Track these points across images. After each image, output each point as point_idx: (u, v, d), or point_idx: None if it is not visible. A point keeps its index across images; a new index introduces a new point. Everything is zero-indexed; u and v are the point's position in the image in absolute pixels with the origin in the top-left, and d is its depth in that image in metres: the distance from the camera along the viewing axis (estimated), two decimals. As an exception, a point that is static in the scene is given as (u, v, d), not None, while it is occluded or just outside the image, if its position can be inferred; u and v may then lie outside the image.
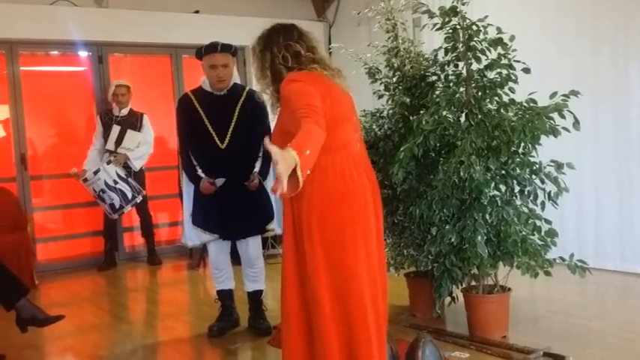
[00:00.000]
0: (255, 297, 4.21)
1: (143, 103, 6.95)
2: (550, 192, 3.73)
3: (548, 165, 3.71)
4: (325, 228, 2.55)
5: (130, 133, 6.55)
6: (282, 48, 2.71)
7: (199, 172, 4.00)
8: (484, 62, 3.78)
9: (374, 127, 4.39)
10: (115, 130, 6.52)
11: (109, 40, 6.90)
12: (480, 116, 3.69)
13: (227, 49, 3.96)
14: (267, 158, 4.12)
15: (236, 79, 4.14)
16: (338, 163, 2.59)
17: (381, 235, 2.77)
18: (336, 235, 2.56)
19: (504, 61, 3.74)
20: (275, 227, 4.12)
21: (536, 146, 3.69)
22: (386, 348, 2.76)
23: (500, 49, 3.74)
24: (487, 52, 3.77)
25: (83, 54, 7.04)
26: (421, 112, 3.88)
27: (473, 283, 3.88)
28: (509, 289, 3.86)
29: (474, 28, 3.76)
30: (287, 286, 2.72)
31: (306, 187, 2.45)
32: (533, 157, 3.73)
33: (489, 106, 3.79)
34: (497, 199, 3.69)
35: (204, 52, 3.94)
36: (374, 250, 2.64)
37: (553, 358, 3.34)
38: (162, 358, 3.98)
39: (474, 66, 3.81)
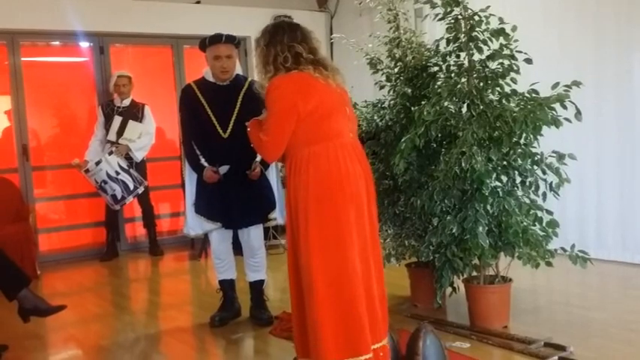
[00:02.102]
0: (257, 287, 4.22)
1: (144, 93, 6.95)
2: (551, 183, 3.73)
3: (549, 156, 3.70)
4: (322, 212, 2.73)
5: (131, 123, 6.55)
6: (286, 48, 2.86)
7: (202, 161, 4.01)
8: (486, 53, 3.77)
9: (375, 117, 4.39)
10: (117, 120, 6.52)
11: (110, 30, 6.89)
12: (481, 107, 3.68)
13: (231, 40, 3.97)
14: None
15: (238, 70, 4.15)
16: (332, 151, 2.78)
17: (375, 221, 2.92)
18: (331, 217, 2.73)
19: (506, 52, 3.73)
20: (277, 216, 4.14)
21: (538, 137, 3.68)
22: (384, 327, 2.89)
23: (502, 40, 3.72)
24: (489, 43, 3.76)
25: (84, 44, 7.03)
26: (423, 102, 3.87)
27: (474, 273, 3.89)
28: (511, 280, 3.86)
29: (476, 18, 3.74)
30: (288, 277, 2.91)
31: (302, 175, 2.76)
32: (534, 147, 3.72)
33: (491, 96, 3.78)
34: (499, 189, 3.69)
35: (208, 43, 3.95)
36: (367, 232, 2.82)
37: (554, 348, 3.34)
38: (164, 347, 4.00)
39: (476, 56, 3.79)
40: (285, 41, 2.86)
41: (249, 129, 3.04)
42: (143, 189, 6.48)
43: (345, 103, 2.92)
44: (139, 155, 6.56)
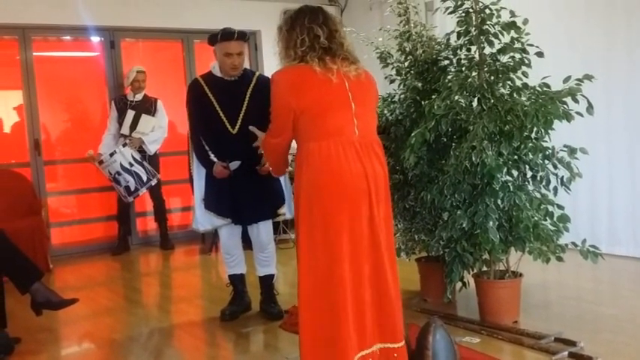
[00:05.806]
0: (267, 281, 4.23)
1: (155, 88, 6.96)
2: (563, 177, 3.71)
3: (561, 150, 3.68)
4: (311, 213, 2.65)
5: (144, 117, 6.59)
6: (305, 31, 2.75)
7: (212, 156, 4.01)
8: (497, 46, 3.75)
9: (385, 111, 4.38)
10: (130, 114, 6.56)
11: (121, 25, 6.91)
12: (492, 101, 3.66)
13: (242, 37, 3.96)
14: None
15: (245, 64, 4.13)
16: (325, 149, 2.66)
17: (380, 223, 2.73)
18: (320, 219, 2.64)
19: (517, 45, 3.71)
20: (286, 212, 4.13)
21: (549, 131, 3.67)
22: (381, 333, 2.75)
23: (513, 33, 3.70)
24: (500, 36, 3.74)
25: (95, 39, 7.06)
26: (433, 96, 3.85)
27: (484, 268, 3.88)
28: (521, 275, 3.85)
29: (487, 11, 3.73)
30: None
31: (298, 174, 2.71)
32: (545, 142, 3.70)
33: (502, 90, 3.76)
34: (510, 184, 3.67)
35: (219, 39, 3.92)
36: (364, 235, 2.67)
37: (564, 344, 3.34)
38: (176, 341, 4.02)
39: (487, 50, 3.78)
40: (305, 23, 2.76)
41: (260, 144, 3.24)
42: (156, 181, 6.51)
43: (349, 98, 2.72)
44: (152, 148, 6.60)
